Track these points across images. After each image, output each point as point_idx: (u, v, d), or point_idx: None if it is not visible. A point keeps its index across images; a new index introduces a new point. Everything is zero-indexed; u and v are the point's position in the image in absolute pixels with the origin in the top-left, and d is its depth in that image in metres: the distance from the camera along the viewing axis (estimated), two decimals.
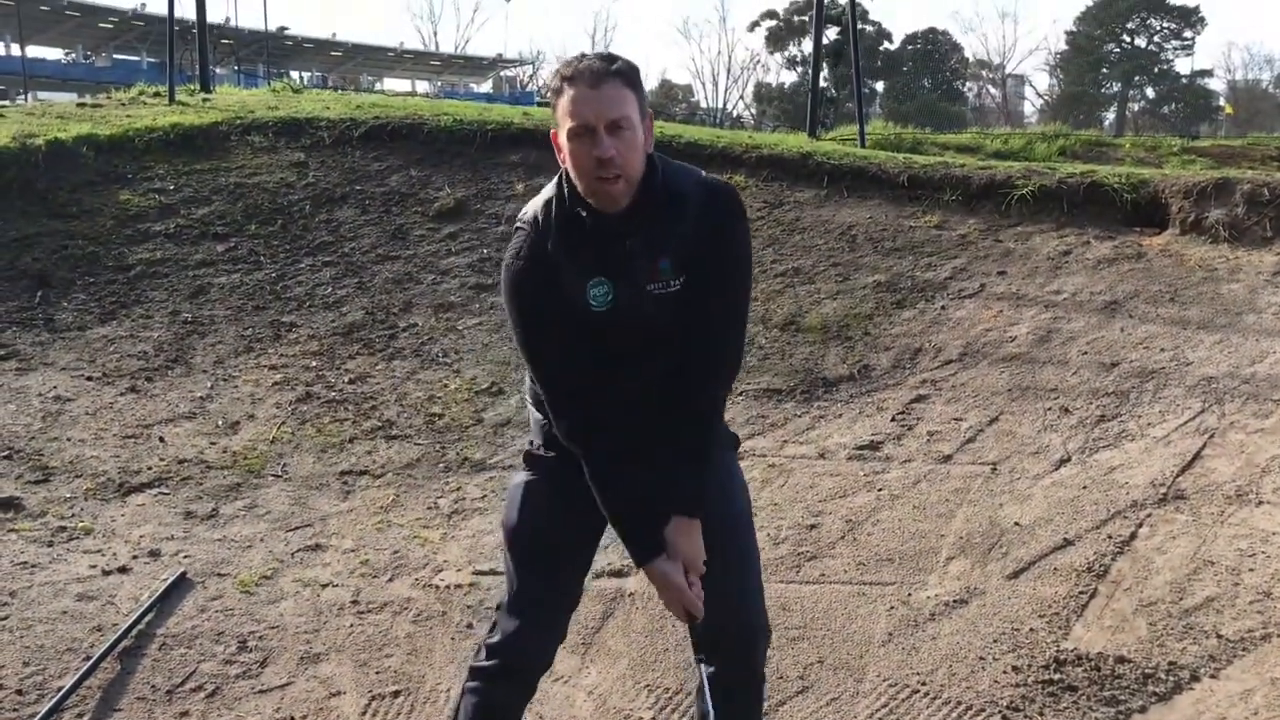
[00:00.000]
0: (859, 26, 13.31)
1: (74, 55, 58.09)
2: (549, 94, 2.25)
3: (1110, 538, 4.24)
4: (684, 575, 2.34)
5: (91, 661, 3.49)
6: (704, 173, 2.42)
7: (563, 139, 2.23)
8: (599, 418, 2.33)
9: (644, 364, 2.35)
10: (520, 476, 2.52)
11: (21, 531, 4.49)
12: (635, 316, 2.30)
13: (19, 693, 3.36)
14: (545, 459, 2.47)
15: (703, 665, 2.55)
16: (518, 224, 2.35)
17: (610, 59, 2.23)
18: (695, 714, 2.70)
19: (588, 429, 2.33)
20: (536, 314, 2.31)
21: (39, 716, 3.21)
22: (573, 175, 2.25)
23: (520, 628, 2.44)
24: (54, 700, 3.28)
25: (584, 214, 2.28)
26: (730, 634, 2.50)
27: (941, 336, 6.51)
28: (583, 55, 2.25)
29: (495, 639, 2.46)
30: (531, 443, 2.54)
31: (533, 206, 2.36)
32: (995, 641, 3.65)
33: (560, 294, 2.29)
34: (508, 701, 2.49)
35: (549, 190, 2.35)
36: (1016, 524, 4.47)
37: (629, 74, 2.23)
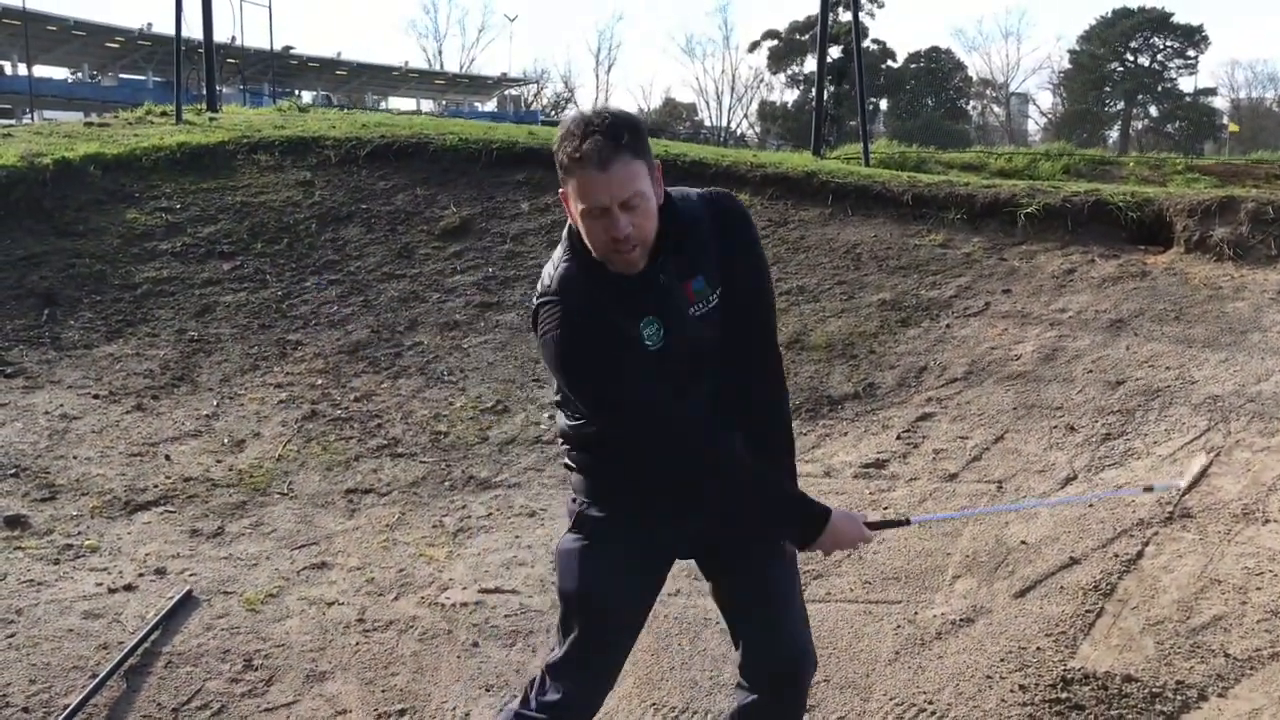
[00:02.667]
0: (862, 45, 13.36)
1: (80, 75, 58.38)
2: (557, 161, 2.18)
3: (1117, 556, 4.23)
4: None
5: (98, 679, 3.49)
6: (697, 189, 2.42)
7: (573, 211, 2.19)
8: (711, 427, 2.31)
9: (692, 388, 2.33)
10: (571, 541, 2.45)
11: (28, 549, 4.50)
12: (684, 344, 2.29)
13: (25, 710, 3.36)
14: (596, 519, 2.42)
15: (742, 692, 2.54)
16: (543, 299, 2.27)
17: (615, 131, 2.12)
18: None
19: (711, 439, 2.29)
20: (600, 366, 2.24)
21: None
22: (588, 244, 2.21)
23: (577, 692, 2.43)
24: (60, 718, 3.28)
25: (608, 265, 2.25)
26: (781, 665, 2.50)
27: (946, 355, 6.51)
28: (585, 124, 2.13)
29: (550, 698, 2.42)
30: (575, 499, 2.47)
31: (551, 278, 2.28)
32: (1002, 660, 3.64)
33: (617, 341, 2.24)
34: None
35: (562, 254, 2.29)
36: (1023, 543, 4.46)
37: (634, 143, 2.14)
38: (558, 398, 2.45)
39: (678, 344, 2.28)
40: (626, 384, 2.24)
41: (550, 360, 2.28)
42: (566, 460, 2.48)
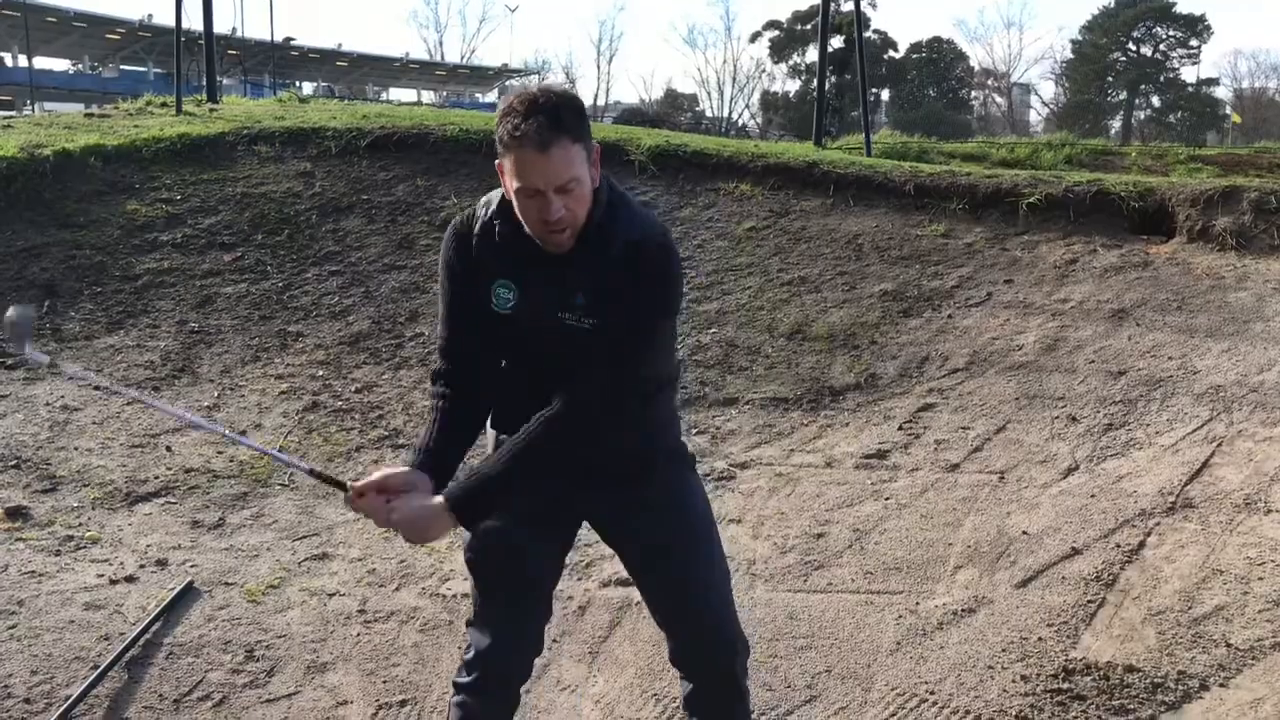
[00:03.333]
0: (863, 35, 13.33)
1: (80, 66, 58.32)
2: (497, 135, 2.18)
3: (1119, 546, 4.22)
4: (382, 499, 2.28)
5: (99, 670, 3.49)
6: (652, 221, 2.36)
7: (508, 185, 2.20)
8: (466, 381, 2.40)
9: (546, 378, 2.33)
10: None
11: (29, 540, 4.49)
12: (540, 333, 2.32)
13: (27, 701, 3.36)
14: None
15: (682, 681, 2.58)
16: (480, 202, 2.38)
17: (556, 113, 2.12)
18: None
19: (449, 382, 2.40)
20: (455, 283, 2.37)
21: None
22: (521, 219, 2.23)
23: (491, 644, 2.47)
24: (62, 709, 3.28)
25: (512, 229, 2.29)
26: (704, 649, 2.52)
27: (948, 345, 6.50)
28: (528, 103, 2.13)
29: (469, 655, 2.49)
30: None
31: (493, 194, 2.36)
32: (1004, 650, 3.63)
33: (474, 278, 2.34)
34: (490, 713, 2.51)
35: (496, 201, 2.34)
36: (1024, 533, 4.46)
37: (575, 126, 2.15)
38: None
39: (531, 324, 2.31)
40: (458, 306, 2.38)
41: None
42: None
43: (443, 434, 2.39)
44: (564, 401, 2.27)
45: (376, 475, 2.30)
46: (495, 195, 2.35)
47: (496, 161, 2.23)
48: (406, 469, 2.32)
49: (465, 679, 2.48)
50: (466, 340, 2.39)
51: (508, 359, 2.41)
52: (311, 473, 2.40)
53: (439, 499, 2.26)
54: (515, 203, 2.21)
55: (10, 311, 2.48)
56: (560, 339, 2.29)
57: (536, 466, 2.27)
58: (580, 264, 2.26)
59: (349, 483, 2.29)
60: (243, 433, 5.73)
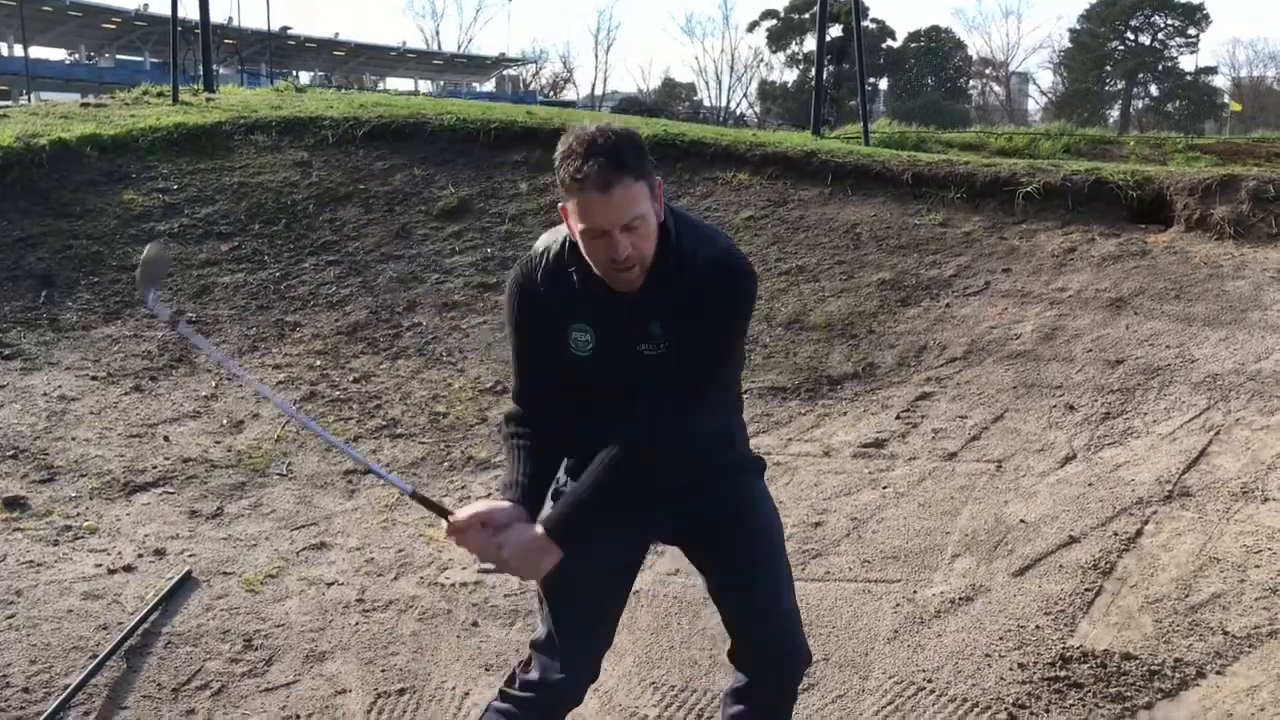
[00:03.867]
0: (862, 24, 13.30)
1: (77, 56, 58.15)
2: (558, 178, 2.18)
3: (1116, 535, 4.23)
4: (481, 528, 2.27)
5: (98, 660, 3.49)
6: (726, 241, 2.37)
7: (573, 228, 2.20)
8: (544, 422, 2.37)
9: (625, 409, 2.32)
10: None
11: (27, 530, 4.49)
12: (620, 369, 2.32)
13: (26, 690, 3.36)
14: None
15: (737, 674, 2.57)
16: (538, 249, 2.36)
17: (618, 153, 2.12)
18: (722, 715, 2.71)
19: (528, 423, 2.37)
20: (526, 333, 2.37)
21: (45, 714, 3.22)
22: (587, 259, 2.23)
23: (561, 677, 2.43)
24: (60, 698, 3.28)
25: (581, 272, 2.28)
26: (776, 657, 2.51)
27: (946, 334, 6.50)
28: (588, 144, 2.13)
29: (533, 675, 2.45)
30: (556, 478, 2.50)
31: (551, 239, 2.36)
32: (1001, 639, 3.64)
33: (546, 326, 2.33)
34: None
35: (563, 242, 2.32)
36: (1022, 521, 4.46)
37: (637, 164, 2.15)
38: None
39: (612, 364, 2.31)
40: (534, 353, 2.38)
41: (504, 300, 2.42)
42: None
43: (528, 469, 2.35)
44: (647, 423, 2.27)
45: (479, 508, 2.27)
46: (555, 239, 2.34)
47: (560, 205, 2.22)
48: (507, 504, 2.28)
49: (520, 693, 2.44)
50: (544, 387, 2.39)
51: (585, 395, 2.39)
52: (414, 495, 2.34)
53: (540, 529, 2.24)
54: (581, 244, 2.20)
55: (149, 248, 2.47)
56: (640, 371, 2.30)
57: (625, 489, 2.26)
58: (655, 294, 2.26)
59: (451, 514, 2.27)
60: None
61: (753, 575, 2.48)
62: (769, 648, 2.50)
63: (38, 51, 52.49)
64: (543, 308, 2.32)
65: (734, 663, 2.57)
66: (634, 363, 2.31)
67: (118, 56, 57.60)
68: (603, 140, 2.13)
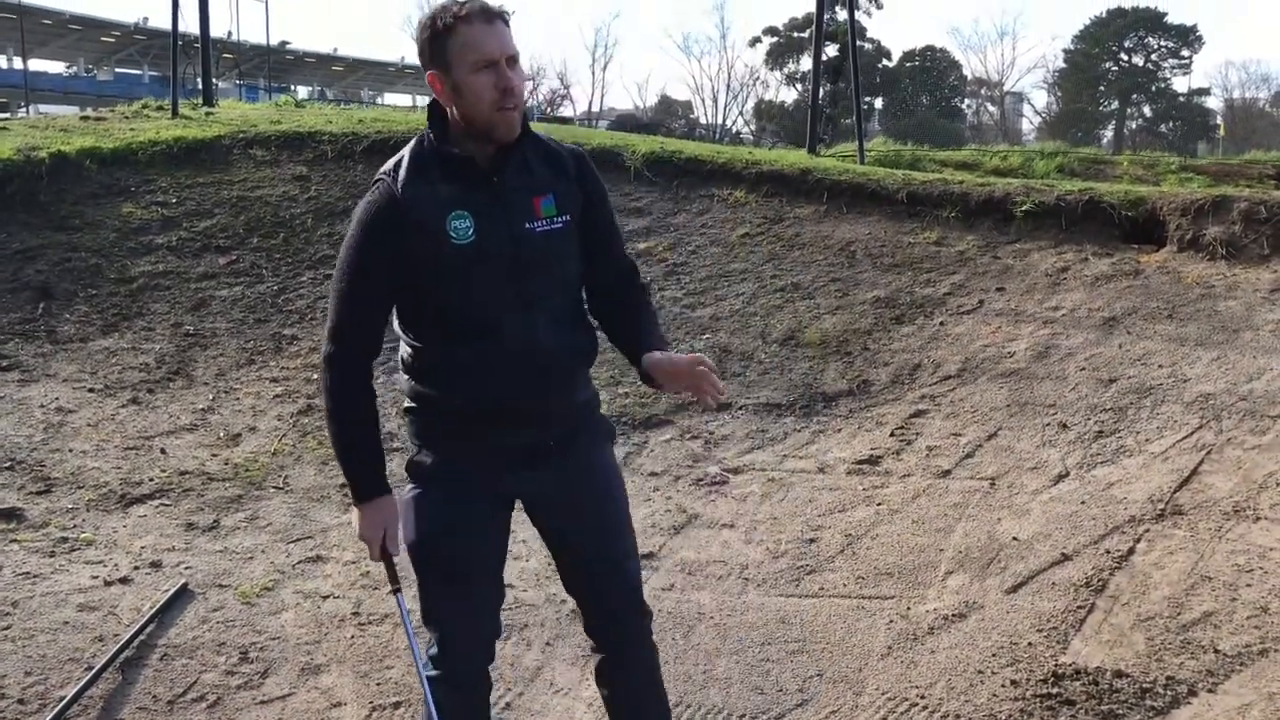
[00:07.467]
0: (858, 44, 13.39)
1: (76, 69, 58.24)
2: (427, 37, 2.25)
3: (1108, 553, 4.25)
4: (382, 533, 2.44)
5: (93, 672, 3.50)
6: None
7: (460, 76, 2.23)
8: (363, 362, 2.37)
9: (515, 288, 2.33)
10: (408, 490, 2.50)
11: (23, 542, 4.50)
12: (504, 253, 2.31)
13: (21, 702, 3.37)
14: (420, 465, 2.47)
15: (597, 654, 2.66)
16: (376, 177, 2.35)
17: (491, 4, 2.27)
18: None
19: (346, 361, 2.35)
20: (370, 260, 2.30)
21: None
22: (470, 109, 2.26)
23: (447, 637, 2.51)
24: (56, 710, 3.29)
25: (454, 152, 2.30)
26: (630, 616, 2.61)
27: (940, 352, 6.53)
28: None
29: (433, 650, 2.53)
30: (411, 448, 2.51)
31: (390, 161, 2.37)
32: (994, 655, 3.66)
33: (408, 239, 2.27)
34: (462, 702, 2.55)
35: (408, 145, 2.36)
36: (1015, 539, 4.49)
37: (504, 14, 2.29)
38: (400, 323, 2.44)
39: (496, 243, 2.30)
40: (370, 285, 2.31)
41: (348, 231, 2.35)
42: (405, 402, 2.49)
43: (374, 431, 2.41)
44: (631, 272, 2.56)
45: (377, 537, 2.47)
46: (401, 153, 2.36)
47: (429, 72, 2.28)
48: (394, 505, 2.44)
49: (432, 672, 2.50)
50: (377, 322, 2.36)
51: (454, 309, 2.33)
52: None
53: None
54: (469, 89, 2.23)
55: None
56: (522, 250, 2.32)
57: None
58: (532, 170, 2.35)
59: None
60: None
61: (614, 542, 2.57)
62: (628, 610, 2.61)
63: (37, 64, 52.60)
64: (406, 221, 2.27)
65: (594, 636, 2.65)
66: (521, 244, 2.32)
67: (117, 70, 57.69)
68: None
